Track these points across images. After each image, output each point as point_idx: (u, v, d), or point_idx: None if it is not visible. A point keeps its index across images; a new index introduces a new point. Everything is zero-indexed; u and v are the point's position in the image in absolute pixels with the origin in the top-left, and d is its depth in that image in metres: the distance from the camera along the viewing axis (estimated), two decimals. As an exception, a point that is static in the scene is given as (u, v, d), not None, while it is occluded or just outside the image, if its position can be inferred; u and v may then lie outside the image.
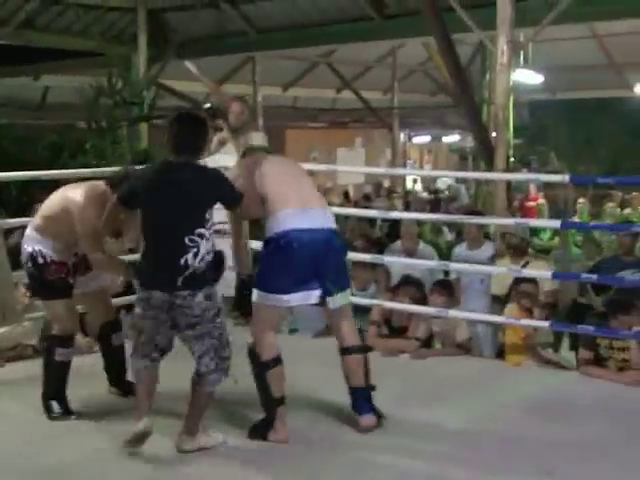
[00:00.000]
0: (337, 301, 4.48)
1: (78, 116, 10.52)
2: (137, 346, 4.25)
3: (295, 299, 4.43)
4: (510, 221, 6.25)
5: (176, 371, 4.41)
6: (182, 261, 4.02)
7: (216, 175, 4.30)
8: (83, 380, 5.15)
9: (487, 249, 6.97)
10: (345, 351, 4.54)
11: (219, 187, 4.25)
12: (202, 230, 4.07)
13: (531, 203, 12.49)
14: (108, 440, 4.34)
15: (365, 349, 4.62)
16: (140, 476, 3.99)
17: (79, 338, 6.15)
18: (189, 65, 13.42)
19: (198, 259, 4.05)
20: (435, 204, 14.11)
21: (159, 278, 4.09)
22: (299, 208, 4.41)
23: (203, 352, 4.14)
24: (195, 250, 4.03)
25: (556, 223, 6.71)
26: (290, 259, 4.32)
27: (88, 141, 9.63)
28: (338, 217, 9.18)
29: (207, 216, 4.11)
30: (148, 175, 4.31)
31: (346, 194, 18.32)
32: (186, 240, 4.03)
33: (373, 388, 4.58)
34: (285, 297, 4.38)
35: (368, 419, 4.46)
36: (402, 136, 21.28)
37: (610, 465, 4.08)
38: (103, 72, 10.16)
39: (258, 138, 4.89)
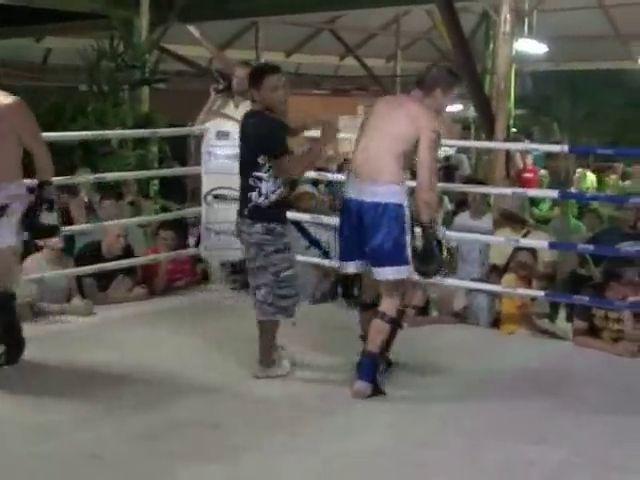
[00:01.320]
0: (379, 274, 4.55)
1: (80, 79, 10.48)
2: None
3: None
4: (508, 191, 6.25)
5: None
6: (248, 196, 4.60)
7: (268, 126, 4.59)
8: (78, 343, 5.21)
9: (488, 219, 6.98)
10: (375, 314, 4.64)
11: (263, 137, 4.58)
12: (259, 174, 4.56)
13: (528, 174, 12.43)
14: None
15: (393, 321, 4.64)
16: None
17: (76, 300, 6.21)
18: (192, 29, 13.33)
19: (262, 198, 4.56)
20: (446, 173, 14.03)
21: (238, 208, 4.74)
22: (353, 172, 4.66)
23: (260, 284, 4.64)
24: (258, 190, 4.56)
25: (554, 193, 6.73)
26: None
27: (89, 104, 9.61)
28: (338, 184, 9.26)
29: (260, 161, 4.54)
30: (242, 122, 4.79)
31: (346, 161, 18.27)
32: (250, 181, 4.59)
33: (388, 363, 4.75)
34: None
35: (360, 385, 4.50)
36: (405, 105, 21.16)
37: (604, 430, 4.14)
38: (105, 35, 10.11)
39: None
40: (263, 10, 12.66)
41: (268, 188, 4.56)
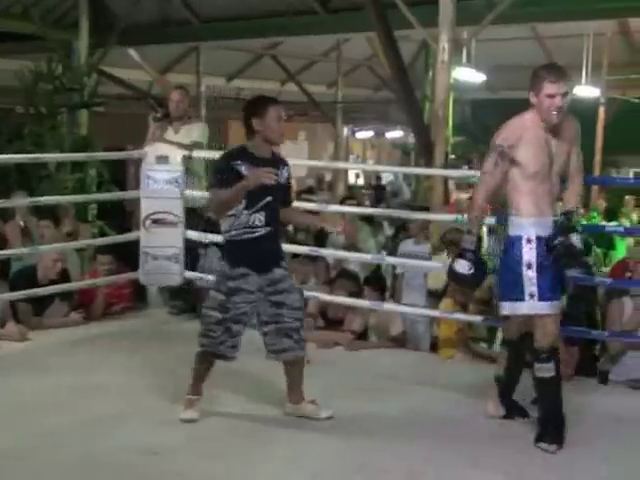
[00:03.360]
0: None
1: (16, 101, 10.33)
2: None
3: None
4: (450, 217, 6.32)
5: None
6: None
7: (219, 157, 4.64)
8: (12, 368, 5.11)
9: (427, 245, 7.06)
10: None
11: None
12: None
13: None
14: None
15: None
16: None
17: (10, 325, 6.10)
18: (132, 53, 13.28)
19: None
20: (377, 197, 14.19)
21: None
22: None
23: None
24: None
25: (491, 219, 6.80)
26: None
27: (26, 126, 9.47)
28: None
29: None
30: None
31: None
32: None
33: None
34: None
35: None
36: (345, 130, 21.34)
37: (541, 454, 4.18)
38: (43, 57, 9.99)
39: None
40: (204, 35, 12.66)
41: (223, 226, 4.52)
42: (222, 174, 4.40)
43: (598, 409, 4.92)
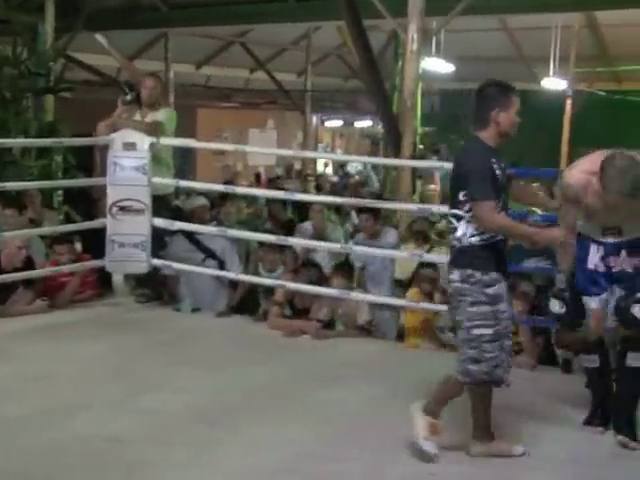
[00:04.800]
0: None
1: (-19, 86, 10.18)
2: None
3: None
4: (413, 206, 6.35)
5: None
6: (452, 236, 4.01)
7: (478, 158, 3.91)
8: None
9: (389, 236, 7.06)
10: None
11: (469, 170, 3.90)
12: (456, 211, 3.94)
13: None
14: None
15: None
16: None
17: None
18: (99, 38, 13.14)
19: (457, 238, 3.94)
20: (344, 187, 14.20)
21: None
22: None
23: (461, 339, 4.02)
24: (454, 230, 3.96)
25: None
26: None
27: (-10, 111, 9.34)
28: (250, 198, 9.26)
29: (461, 197, 3.90)
30: None
31: (257, 176, 18.31)
32: (449, 217, 4.03)
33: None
34: None
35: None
36: (314, 119, 21.33)
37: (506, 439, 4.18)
38: (8, 40, 9.85)
39: None
40: (173, 21, 12.58)
41: (468, 230, 3.91)
42: (487, 180, 3.84)
43: (559, 397, 4.96)
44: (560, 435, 4.35)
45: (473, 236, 3.90)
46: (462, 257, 3.93)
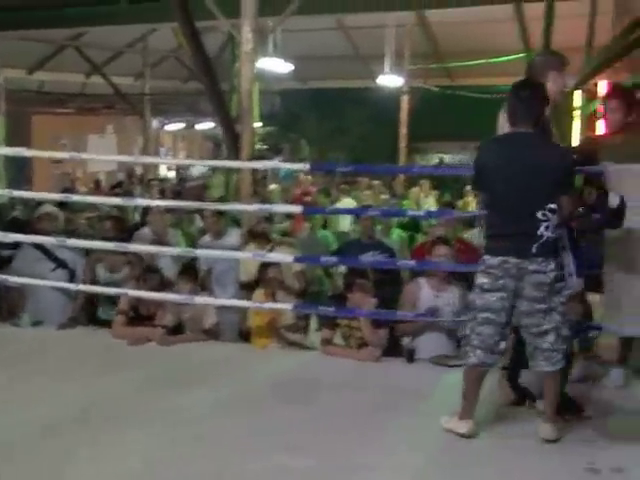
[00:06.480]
0: None
1: None
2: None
3: None
4: (254, 207, 6.35)
5: None
6: (538, 231, 4.06)
7: (569, 157, 4.23)
8: None
9: (232, 237, 7.05)
10: None
11: (567, 169, 4.17)
12: (553, 205, 4.07)
13: (307, 197, 12.45)
14: None
15: None
16: None
17: None
18: None
19: (550, 230, 4.07)
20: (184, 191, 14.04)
21: (515, 246, 4.09)
22: None
23: (550, 328, 4.12)
24: (547, 223, 4.06)
25: (297, 208, 6.92)
26: None
27: None
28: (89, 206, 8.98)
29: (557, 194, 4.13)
30: (494, 150, 4.24)
31: (97, 183, 17.87)
32: (539, 214, 4.06)
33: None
34: None
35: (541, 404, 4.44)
36: (155, 123, 21.04)
37: (352, 433, 4.26)
38: None
39: None
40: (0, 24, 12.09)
41: (558, 219, 4.13)
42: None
43: (403, 385, 5.10)
44: (406, 423, 4.46)
45: (560, 225, 4.17)
46: (555, 245, 4.14)
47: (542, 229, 4.06)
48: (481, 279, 4.16)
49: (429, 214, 7.67)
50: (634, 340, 5.16)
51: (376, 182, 13.53)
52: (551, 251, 4.11)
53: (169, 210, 7.85)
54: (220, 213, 7.06)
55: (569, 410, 4.44)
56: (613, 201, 4.56)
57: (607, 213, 4.60)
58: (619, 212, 4.58)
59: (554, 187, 4.09)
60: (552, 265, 4.10)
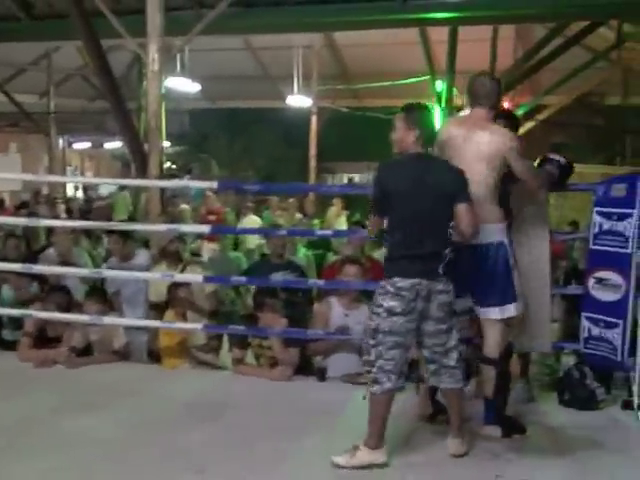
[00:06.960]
0: (483, 313, 4.50)
1: None
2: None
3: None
4: (162, 227, 6.29)
5: None
6: (445, 251, 4.09)
7: (456, 169, 4.24)
8: None
9: (141, 257, 6.97)
10: (482, 360, 4.59)
11: (463, 182, 4.19)
12: (452, 223, 4.13)
13: (212, 217, 12.31)
14: None
15: (495, 363, 4.52)
16: None
17: None
18: None
19: (449, 248, 4.12)
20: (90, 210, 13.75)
21: (426, 267, 4.09)
22: None
23: (453, 346, 4.21)
24: (449, 242, 4.12)
25: (205, 228, 6.89)
26: None
27: None
28: None
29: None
30: (395, 173, 4.21)
31: (1, 202, 17.38)
32: (443, 233, 4.10)
33: (503, 402, 4.60)
34: None
35: (490, 429, 4.51)
36: (61, 142, 20.65)
37: (263, 455, 4.25)
38: None
39: None
40: None
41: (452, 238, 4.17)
42: None
43: (314, 404, 5.12)
44: (316, 443, 4.47)
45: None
46: (449, 266, 4.17)
47: (447, 249, 4.12)
48: (389, 302, 4.07)
49: (337, 233, 7.73)
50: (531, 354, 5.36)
51: (291, 200, 13.55)
52: (450, 270, 4.16)
53: (74, 230, 7.72)
54: (127, 236, 6.94)
55: (516, 429, 4.58)
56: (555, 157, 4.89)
57: (557, 165, 4.86)
58: (566, 167, 4.89)
59: (453, 204, 4.14)
60: (451, 285, 4.18)
